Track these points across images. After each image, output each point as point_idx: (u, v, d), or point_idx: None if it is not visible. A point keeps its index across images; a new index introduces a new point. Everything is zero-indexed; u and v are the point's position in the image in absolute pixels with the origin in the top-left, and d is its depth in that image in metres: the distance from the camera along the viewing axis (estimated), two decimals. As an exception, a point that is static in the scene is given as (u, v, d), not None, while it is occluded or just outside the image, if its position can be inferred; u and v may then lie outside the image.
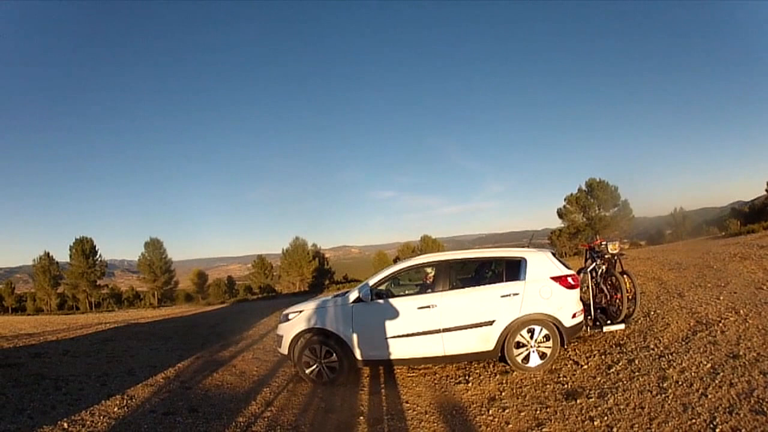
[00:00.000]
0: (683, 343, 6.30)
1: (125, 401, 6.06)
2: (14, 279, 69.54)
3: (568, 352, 6.81)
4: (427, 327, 6.52)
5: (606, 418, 4.70)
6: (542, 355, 6.43)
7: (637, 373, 5.63)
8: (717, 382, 4.99)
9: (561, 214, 45.01)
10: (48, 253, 48.91)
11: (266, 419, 5.54)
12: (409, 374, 6.89)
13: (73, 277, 47.05)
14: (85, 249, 46.70)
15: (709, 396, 4.73)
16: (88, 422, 5.26)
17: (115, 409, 5.73)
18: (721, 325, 6.60)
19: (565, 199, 45.01)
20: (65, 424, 5.11)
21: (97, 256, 47.95)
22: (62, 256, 49.43)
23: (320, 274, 50.28)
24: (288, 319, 7.06)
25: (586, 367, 6.18)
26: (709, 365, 5.44)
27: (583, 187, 44.66)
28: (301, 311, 7.00)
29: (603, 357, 6.40)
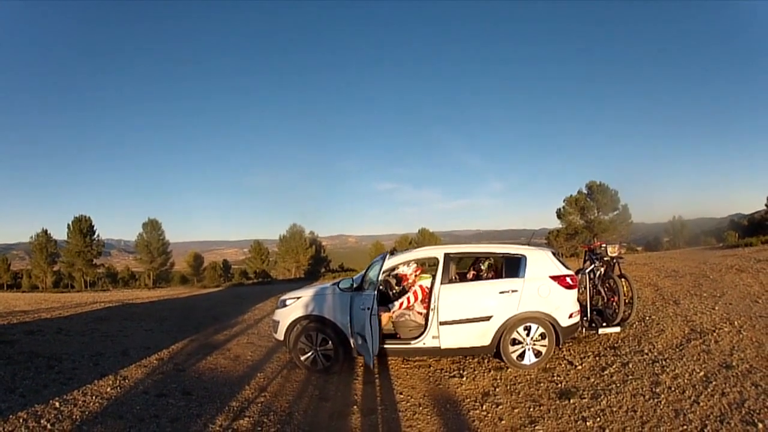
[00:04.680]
0: (677, 349, 6.32)
1: (118, 382, 6.05)
2: (10, 255, 69.35)
3: (562, 351, 6.82)
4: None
5: (599, 419, 4.72)
6: (537, 354, 6.43)
7: (630, 377, 5.65)
8: (709, 390, 5.01)
9: (560, 214, 45.17)
10: (46, 231, 49.03)
11: (260, 405, 5.55)
12: (403, 366, 6.89)
13: (69, 256, 47.08)
14: (82, 228, 46.70)
15: (701, 404, 4.75)
16: (80, 402, 5.25)
17: (108, 390, 5.73)
18: (715, 334, 6.62)
19: (564, 200, 45.19)
20: (57, 404, 5.11)
21: (95, 236, 47.98)
22: (60, 234, 49.44)
23: (316, 261, 50.48)
24: (285, 305, 7.04)
25: (580, 367, 6.20)
26: (702, 373, 5.46)
27: (584, 190, 44.80)
28: (298, 297, 6.99)
29: (597, 359, 6.42)
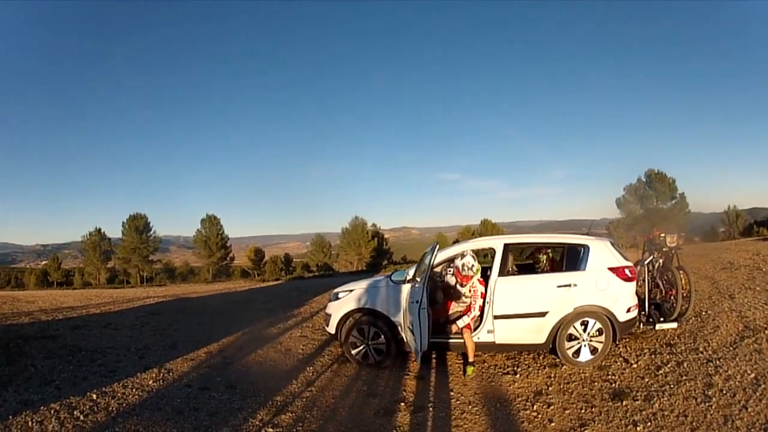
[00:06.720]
0: (731, 348, 6.09)
1: (162, 375, 6.20)
2: (62, 255, 71.77)
3: (618, 348, 6.60)
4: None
5: (649, 423, 4.56)
6: (593, 350, 6.22)
7: (684, 378, 5.45)
8: (758, 394, 4.82)
9: (619, 203, 44.69)
10: (99, 229, 50.53)
11: (304, 399, 5.56)
12: (457, 361, 6.73)
13: (125, 252, 48.52)
14: (138, 225, 48.29)
15: (749, 409, 4.56)
16: (118, 394, 5.40)
17: (150, 382, 5.88)
18: (767, 332, 6.38)
19: (624, 189, 44.56)
20: (94, 396, 5.26)
21: (151, 232, 49.41)
22: (115, 233, 50.97)
23: (379, 254, 50.56)
24: (338, 298, 7.03)
25: (635, 366, 5.99)
26: (753, 375, 5.25)
27: (642, 178, 44.06)
28: (351, 290, 6.95)
29: (653, 357, 6.20)
